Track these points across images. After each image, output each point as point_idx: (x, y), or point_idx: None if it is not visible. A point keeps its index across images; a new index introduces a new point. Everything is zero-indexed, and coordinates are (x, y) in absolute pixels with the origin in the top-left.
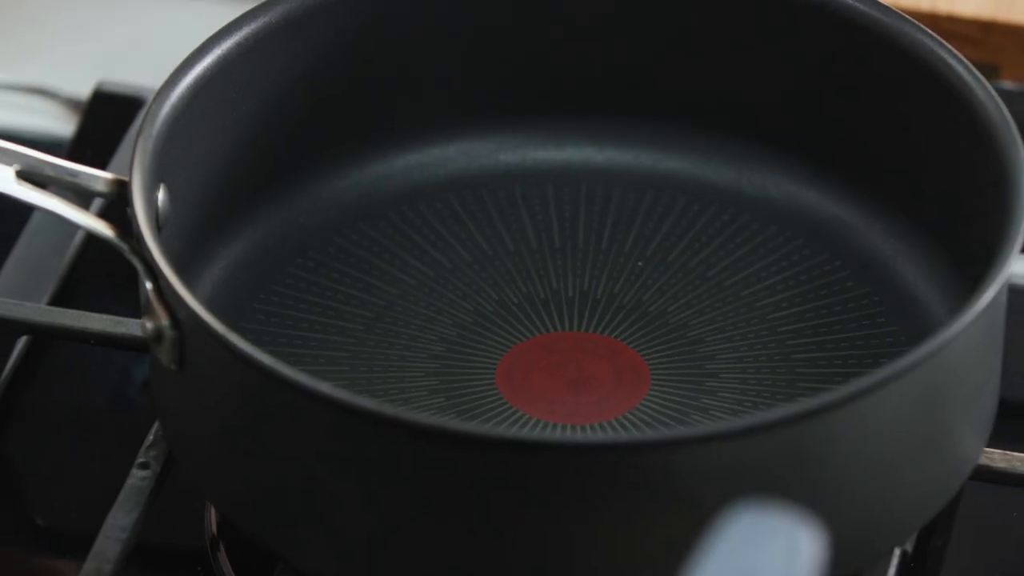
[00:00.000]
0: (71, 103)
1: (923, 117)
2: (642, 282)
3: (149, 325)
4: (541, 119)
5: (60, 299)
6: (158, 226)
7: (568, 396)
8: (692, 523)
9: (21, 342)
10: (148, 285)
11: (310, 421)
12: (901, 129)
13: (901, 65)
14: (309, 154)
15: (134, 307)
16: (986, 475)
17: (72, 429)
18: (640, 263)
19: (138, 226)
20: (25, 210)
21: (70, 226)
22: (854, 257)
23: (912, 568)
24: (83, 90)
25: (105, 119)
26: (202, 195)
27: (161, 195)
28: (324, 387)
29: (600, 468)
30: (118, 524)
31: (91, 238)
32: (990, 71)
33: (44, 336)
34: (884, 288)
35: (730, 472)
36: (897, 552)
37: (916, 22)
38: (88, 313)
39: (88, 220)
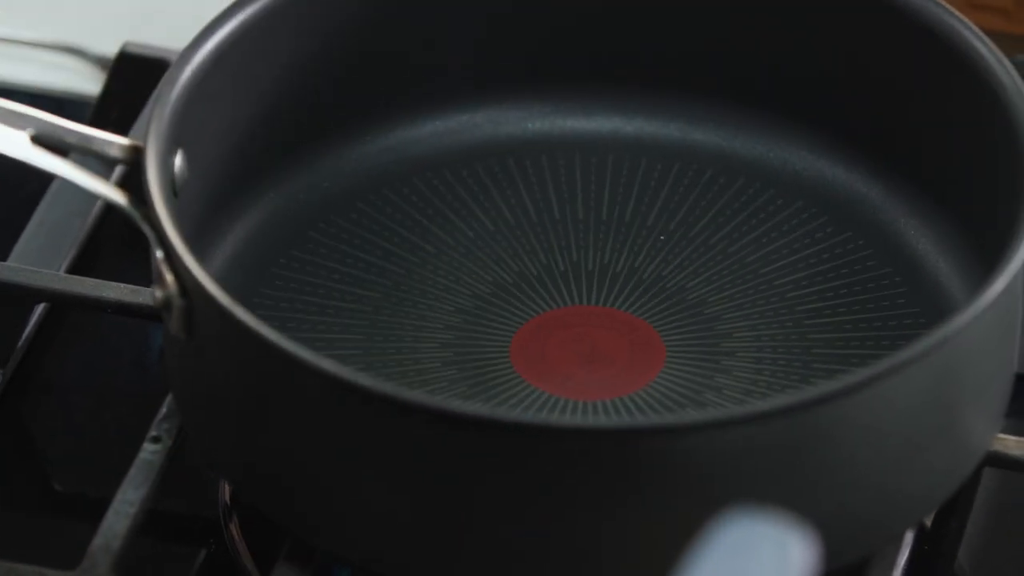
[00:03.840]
0: (99, 61)
1: (949, 98)
2: (663, 257)
3: (159, 294)
4: (570, 88)
5: (79, 266)
6: (174, 192)
7: (582, 371)
8: (698, 508)
9: (39, 309)
10: (158, 253)
11: (314, 397)
12: (928, 109)
13: (927, 45)
14: (333, 119)
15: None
16: (1000, 462)
17: (90, 396)
18: (662, 237)
19: (150, 193)
20: (46, 175)
21: (90, 192)
22: (878, 236)
23: (926, 551)
24: (111, 49)
25: (130, 81)
26: (222, 160)
27: (178, 160)
28: (327, 364)
29: (602, 453)
30: (128, 499)
31: (111, 205)
32: (1022, 43)
33: (61, 304)
34: (906, 269)
35: (736, 457)
36: (909, 536)
37: (942, 3)
38: (105, 282)
39: (99, 186)
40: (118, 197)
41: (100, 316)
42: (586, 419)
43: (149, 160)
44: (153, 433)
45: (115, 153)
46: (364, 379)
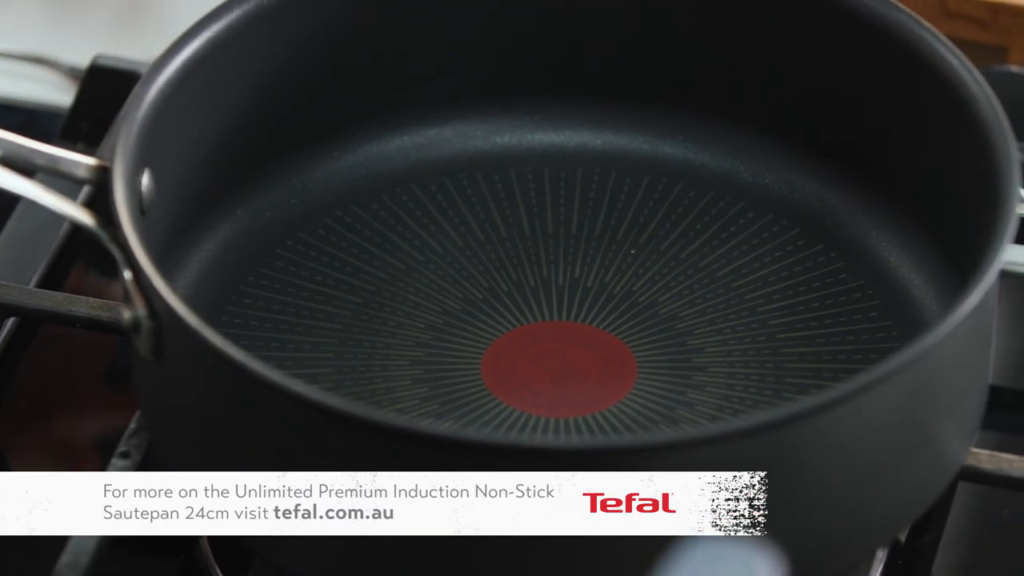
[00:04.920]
0: (71, 72)
1: (920, 110)
2: (634, 271)
3: (127, 314)
4: (538, 102)
5: (49, 280)
6: (142, 211)
7: (553, 388)
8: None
9: (8, 323)
10: (127, 274)
11: (283, 418)
12: (899, 121)
13: (898, 57)
14: (301, 136)
15: None
16: (974, 476)
17: (59, 410)
18: (633, 251)
19: (117, 214)
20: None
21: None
22: (849, 249)
23: (900, 566)
24: (83, 60)
25: (101, 93)
26: (190, 178)
27: (146, 179)
28: (296, 385)
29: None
30: None
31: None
32: (998, 53)
33: (31, 318)
34: (878, 281)
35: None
36: (882, 553)
37: (913, 14)
38: (75, 296)
39: (67, 207)
40: (85, 218)
41: (70, 330)
42: (558, 438)
43: (116, 180)
44: (122, 448)
45: (82, 174)
46: (333, 400)
